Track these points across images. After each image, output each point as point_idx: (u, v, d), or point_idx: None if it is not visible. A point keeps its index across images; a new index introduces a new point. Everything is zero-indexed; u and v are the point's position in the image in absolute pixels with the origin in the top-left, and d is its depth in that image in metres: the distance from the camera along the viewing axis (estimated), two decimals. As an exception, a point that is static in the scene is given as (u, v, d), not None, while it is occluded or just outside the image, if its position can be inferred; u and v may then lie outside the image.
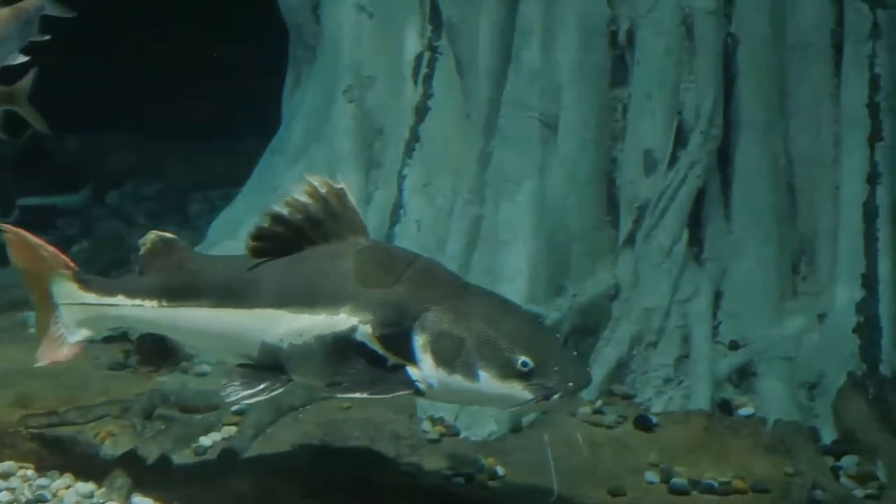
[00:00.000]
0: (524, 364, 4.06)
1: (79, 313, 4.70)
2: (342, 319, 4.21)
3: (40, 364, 4.75)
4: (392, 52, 6.43)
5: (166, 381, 5.73)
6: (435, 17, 6.31)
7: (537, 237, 5.90)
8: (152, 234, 4.60)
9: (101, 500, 4.91)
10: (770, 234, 5.91)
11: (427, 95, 6.32)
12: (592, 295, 5.93)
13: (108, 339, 6.07)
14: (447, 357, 4.10)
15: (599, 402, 5.54)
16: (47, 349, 4.75)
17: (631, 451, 5.13)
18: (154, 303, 4.54)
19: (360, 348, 4.19)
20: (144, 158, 9.95)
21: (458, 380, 4.10)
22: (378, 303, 4.18)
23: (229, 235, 6.68)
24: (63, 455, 5.17)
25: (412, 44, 6.37)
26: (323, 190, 4.30)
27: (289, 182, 6.62)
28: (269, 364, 4.35)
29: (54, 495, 4.99)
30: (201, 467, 5.03)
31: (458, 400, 4.48)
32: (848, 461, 5.16)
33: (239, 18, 8.77)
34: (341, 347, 4.20)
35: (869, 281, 5.71)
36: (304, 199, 4.29)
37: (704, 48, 5.90)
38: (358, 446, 5.07)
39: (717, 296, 5.90)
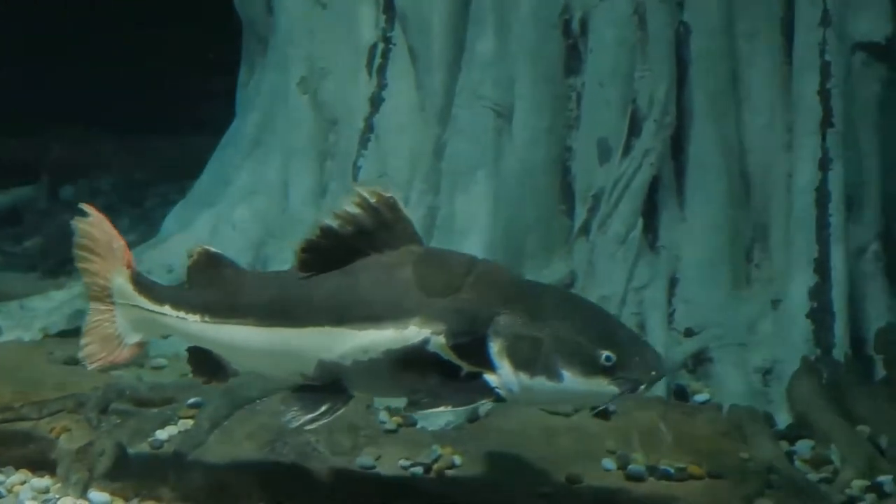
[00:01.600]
0: (608, 359, 3.97)
1: (134, 315, 4.55)
2: (412, 332, 4.07)
3: (93, 367, 4.59)
4: (346, 43, 6.42)
5: (122, 375, 5.70)
6: (388, 8, 6.29)
7: (493, 227, 5.91)
8: (198, 247, 4.48)
9: (57, 495, 4.89)
10: (723, 221, 5.95)
11: (381, 86, 6.32)
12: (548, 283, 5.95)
13: (62, 334, 6.05)
14: (527, 360, 4.00)
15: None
16: (103, 349, 4.58)
17: (588, 438, 5.13)
18: (197, 317, 4.41)
19: (433, 360, 4.07)
20: (98, 153, 9.90)
21: (540, 382, 4.00)
22: (448, 312, 4.05)
23: (184, 229, 6.67)
24: (18, 450, 5.14)
25: (366, 34, 6.36)
26: (373, 199, 4.11)
27: (243, 174, 6.69)
28: (325, 382, 4.23)
29: (10, 491, 4.96)
30: (157, 461, 5.00)
31: (540, 402, 4.39)
32: (802, 445, 5.20)
33: (198, 12, 8.75)
34: (413, 361, 4.08)
35: (822, 267, 5.74)
36: (354, 209, 4.11)
37: (657, 37, 5.93)
38: (315, 438, 5.06)
39: (672, 283, 5.93)
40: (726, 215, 5.95)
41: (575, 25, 6.07)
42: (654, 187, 5.97)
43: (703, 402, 5.50)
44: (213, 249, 4.49)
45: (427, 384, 4.08)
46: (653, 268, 5.92)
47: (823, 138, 5.83)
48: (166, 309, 4.47)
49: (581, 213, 6.05)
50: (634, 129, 5.95)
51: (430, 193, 6.09)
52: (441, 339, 4.05)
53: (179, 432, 5.19)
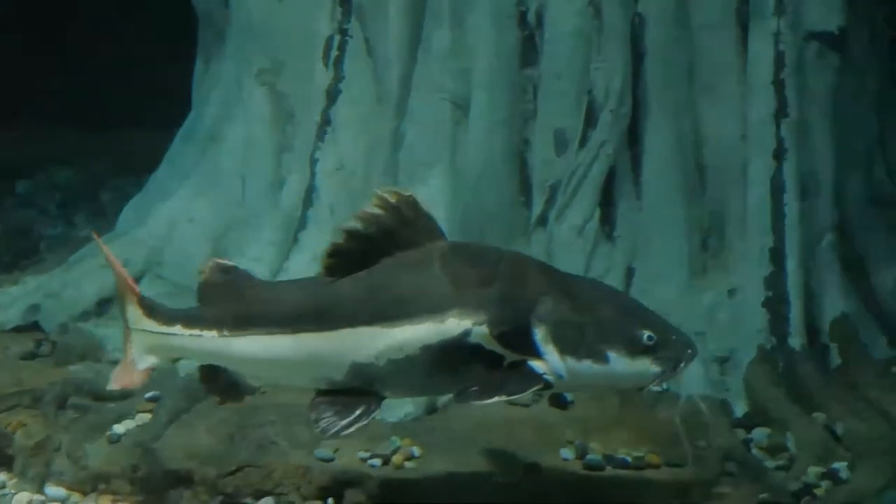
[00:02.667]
0: (650, 338, 4.03)
1: (145, 339, 4.48)
2: (452, 325, 4.06)
3: (111, 387, 4.57)
4: (302, 36, 6.40)
5: (79, 369, 5.69)
6: (345, 0, 6.29)
7: (451, 218, 5.90)
8: (210, 262, 4.43)
9: (14, 490, 4.88)
10: (680, 210, 5.97)
11: (338, 78, 6.31)
12: (506, 275, 5.95)
13: (18, 329, 6.02)
14: (573, 344, 4.02)
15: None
16: (120, 373, 4.54)
17: (546, 428, 5.15)
18: (214, 332, 4.32)
19: (475, 351, 4.06)
20: (55, 146, 9.84)
21: (587, 365, 4.02)
22: (489, 301, 4.05)
23: (140, 222, 6.64)
24: (-25, 446, 5.13)
25: (322, 27, 6.35)
26: (393, 200, 4.11)
27: (200, 167, 6.67)
28: (355, 386, 4.19)
29: (-34, 486, 4.95)
30: (115, 455, 4.99)
31: (586, 386, 4.33)
32: (759, 433, 5.23)
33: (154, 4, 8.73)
34: (452, 354, 4.07)
35: (777, 256, 5.78)
36: (376, 211, 4.11)
37: (612, 28, 5.94)
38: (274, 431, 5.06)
39: (629, 272, 5.95)
40: (682, 205, 5.97)
41: (531, 17, 6.08)
42: (610, 178, 5.99)
43: (661, 392, 5.52)
44: (225, 262, 4.45)
45: (468, 377, 4.07)
46: (610, 258, 5.94)
47: (778, 128, 5.86)
48: (177, 329, 4.39)
49: (538, 204, 6.07)
50: (591, 121, 5.97)
51: (388, 185, 6.07)
52: (483, 329, 4.05)
53: (137, 426, 5.18)
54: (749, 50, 5.95)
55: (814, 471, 4.94)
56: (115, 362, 5.78)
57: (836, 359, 5.75)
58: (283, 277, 6.12)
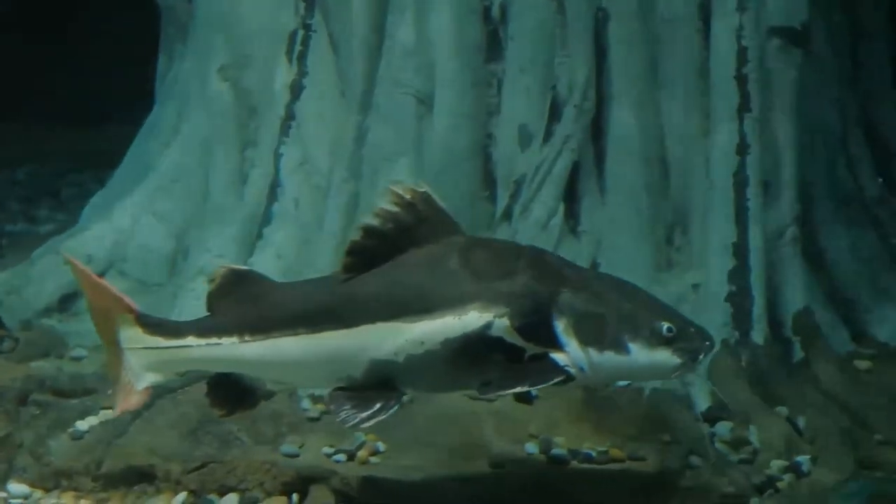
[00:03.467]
0: (669, 330, 4.04)
1: (145, 358, 4.36)
2: (473, 318, 4.05)
3: (116, 413, 4.49)
4: (266, 31, 6.39)
5: (41, 366, 5.66)
6: (308, -5, 6.30)
7: (415, 213, 5.91)
8: (222, 269, 4.35)
9: (-24, 488, 4.85)
10: (643, 205, 5.98)
11: (302, 73, 6.31)
12: (471, 270, 5.95)
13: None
14: (594, 336, 4.03)
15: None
16: (119, 398, 4.41)
17: (511, 423, 5.15)
18: (234, 339, 4.25)
19: (497, 344, 4.06)
20: (14, 143, 9.79)
21: (609, 357, 4.03)
22: (509, 294, 4.05)
23: (103, 218, 6.61)
24: (-64, 443, 5.10)
25: (286, 22, 6.34)
26: (408, 196, 4.10)
27: (163, 163, 6.64)
28: (373, 383, 4.17)
29: (-73, 484, 4.92)
30: (78, 452, 4.97)
31: (608, 378, 4.38)
32: (722, 427, 5.25)
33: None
34: (473, 347, 4.06)
35: (740, 250, 5.80)
36: (392, 207, 4.09)
37: (576, 23, 5.95)
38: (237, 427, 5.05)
39: (594, 267, 5.96)
40: (646, 200, 5.99)
41: (495, 12, 6.08)
42: (574, 173, 6.00)
43: (625, 386, 5.53)
44: (239, 267, 4.40)
45: (489, 370, 4.07)
46: (574, 252, 5.93)
47: (741, 123, 5.88)
48: (190, 340, 4.30)
49: (503, 199, 6.07)
50: (555, 115, 5.98)
51: (352, 180, 6.09)
52: (505, 322, 4.05)
53: (100, 423, 5.15)
54: (712, 45, 5.97)
55: (777, 464, 4.96)
56: (77, 359, 5.81)
57: (798, 352, 5.77)
58: (246, 273, 6.12)
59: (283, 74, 6.32)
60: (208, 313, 4.35)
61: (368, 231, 4.13)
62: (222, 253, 6.14)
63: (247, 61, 6.45)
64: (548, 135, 5.98)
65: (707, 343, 4.13)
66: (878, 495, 4.50)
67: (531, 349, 4.08)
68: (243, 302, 4.29)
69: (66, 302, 6.34)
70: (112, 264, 6.47)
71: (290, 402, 5.28)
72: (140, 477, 4.86)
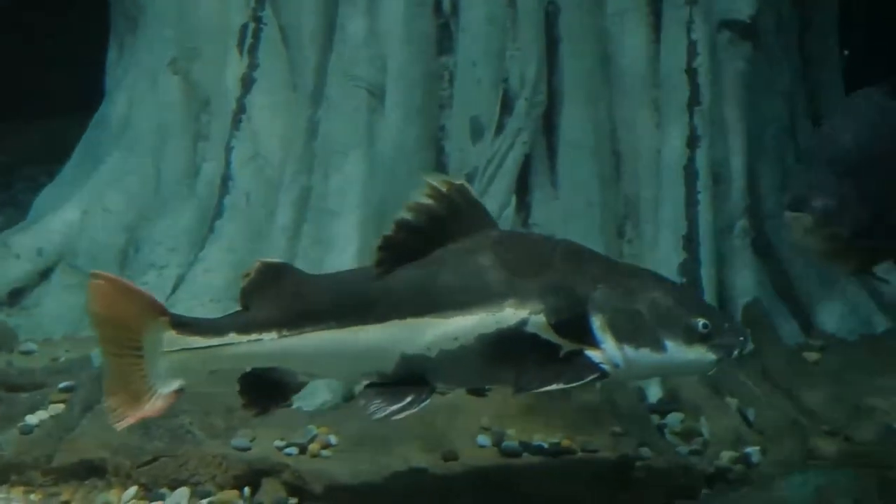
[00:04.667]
0: (704, 326, 4.02)
1: (178, 361, 4.24)
2: (508, 314, 4.03)
3: (124, 425, 4.29)
4: (216, 23, 6.37)
5: (-10, 360, 5.63)
6: (259, -12, 6.28)
7: (367, 206, 5.91)
8: (257, 263, 4.30)
9: (-76, 484, 4.82)
10: (595, 198, 6.00)
11: (253, 66, 6.29)
12: (423, 262, 5.96)
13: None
14: (630, 333, 4.00)
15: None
16: (132, 406, 4.26)
17: (463, 415, 5.16)
18: (274, 334, 4.21)
19: (531, 341, 4.04)
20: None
21: (645, 354, 4.01)
22: (545, 290, 4.02)
23: (54, 211, 6.56)
24: None
25: (236, 14, 6.32)
26: (444, 189, 4.08)
27: (114, 156, 6.61)
28: (404, 377, 4.15)
29: None
30: (28, 446, 4.94)
31: (642, 375, 4.37)
32: (673, 419, 5.28)
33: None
34: (507, 344, 4.04)
35: (690, 243, 5.83)
36: (427, 200, 4.07)
37: (527, 16, 5.96)
38: (189, 420, 5.03)
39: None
40: (598, 193, 6.01)
41: (446, 5, 6.09)
42: (526, 165, 6.01)
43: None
44: (274, 261, 4.35)
45: (523, 366, 4.04)
46: (526, 245, 5.96)
47: (691, 116, 5.91)
48: (231, 337, 4.25)
49: (455, 192, 6.07)
50: (506, 108, 5.98)
51: (304, 173, 6.07)
52: (541, 319, 4.02)
53: (51, 417, 5.13)
54: (662, 38, 6.01)
55: (727, 455, 4.99)
56: (27, 353, 5.77)
57: (748, 344, 5.80)
58: (198, 266, 6.10)
59: (234, 67, 6.30)
60: (243, 308, 4.31)
61: (402, 225, 4.12)
62: (173, 247, 6.12)
63: (197, 54, 6.42)
64: (499, 128, 5.98)
65: (741, 339, 4.12)
66: (826, 486, 4.53)
67: (566, 346, 4.05)
68: (279, 296, 4.25)
69: (15, 296, 6.30)
70: (62, 258, 6.43)
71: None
72: (91, 471, 4.84)
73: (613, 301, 4.02)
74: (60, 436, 4.94)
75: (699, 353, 4.06)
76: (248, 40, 6.29)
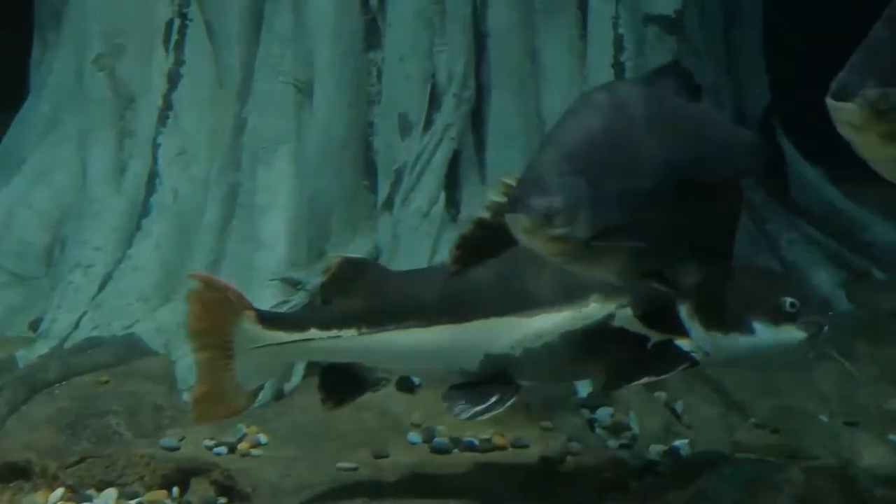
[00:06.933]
0: (792, 305, 3.99)
1: (262, 357, 4.26)
2: (594, 309, 4.00)
3: (210, 423, 4.42)
4: (141, 19, 6.30)
5: (-86, 362, 5.55)
6: (184, -17, 6.23)
7: (296, 203, 5.89)
8: (338, 258, 4.30)
9: None
10: (524, 193, 6.00)
11: (178, 63, 6.23)
12: (353, 259, 5.94)
13: None
14: (719, 318, 3.97)
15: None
16: (219, 405, 4.32)
17: (394, 412, 5.16)
18: (353, 331, 4.21)
19: (619, 334, 4.01)
20: None
21: (734, 339, 4.00)
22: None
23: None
24: None
25: (162, 10, 6.26)
26: None
27: (39, 153, 6.53)
28: (488, 375, 4.14)
29: None
30: (-48, 448, 4.90)
31: (732, 361, 4.28)
32: (603, 413, 5.28)
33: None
34: (595, 339, 4.01)
35: (620, 235, 5.85)
36: (503, 199, 3.95)
37: (454, 11, 5.97)
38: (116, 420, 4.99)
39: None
40: (526, 188, 6.01)
41: (373, 0, 6.07)
42: (455, 161, 6.01)
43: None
44: (354, 256, 4.35)
45: (610, 360, 4.03)
46: (456, 241, 5.96)
47: (618, 111, 5.93)
48: (312, 333, 4.24)
49: (384, 188, 6.07)
50: (434, 104, 5.98)
51: (232, 170, 6.03)
52: (627, 312, 3.99)
53: (-25, 419, 5.08)
54: (589, 33, 6.03)
55: (655, 449, 5.02)
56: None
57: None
58: (125, 264, 6.05)
59: (160, 64, 6.24)
60: (323, 303, 4.33)
61: (480, 224, 4.08)
62: (100, 245, 6.06)
63: (122, 51, 6.35)
64: (428, 123, 5.98)
65: (830, 313, 4.10)
66: (753, 478, 4.57)
67: (655, 337, 4.03)
68: (359, 292, 4.25)
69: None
70: (-14, 257, 6.36)
71: (171, 394, 5.24)
72: (16, 473, 4.78)
73: (700, 287, 3.96)
74: (-16, 437, 4.89)
75: (788, 333, 4.06)
76: (174, 36, 6.23)
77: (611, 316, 4.03)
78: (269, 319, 4.28)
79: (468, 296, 4.14)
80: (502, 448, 4.94)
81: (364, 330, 4.23)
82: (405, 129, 6.03)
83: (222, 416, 4.41)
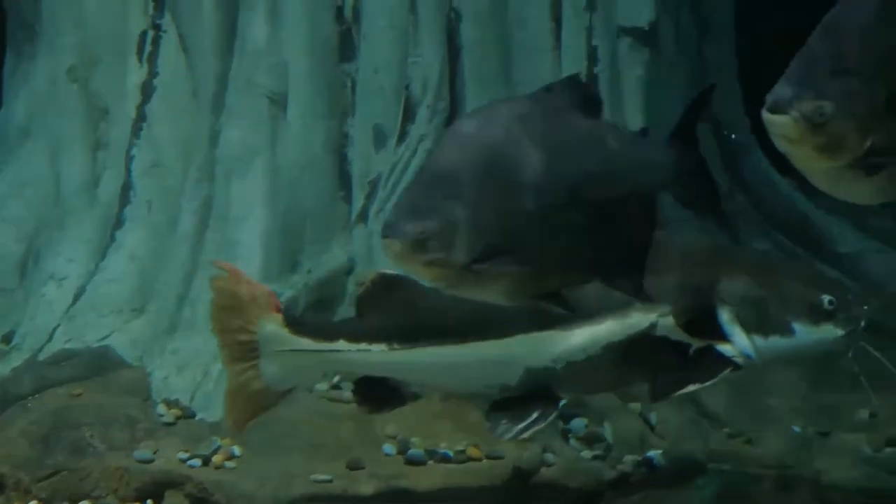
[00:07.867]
0: (830, 303, 3.99)
1: (289, 361, 4.26)
2: (636, 320, 3.99)
3: (237, 430, 4.40)
4: (115, 31, 6.28)
5: None
6: (158, -6, 6.23)
7: (270, 214, 5.87)
8: (373, 274, 4.28)
9: None
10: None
11: (152, 74, 6.22)
12: (328, 270, 5.93)
13: None
14: (759, 321, 3.97)
15: (337, 378, 5.55)
16: (245, 409, 4.35)
17: (369, 424, 5.14)
18: (384, 346, 4.19)
19: (661, 343, 4.00)
20: None
21: (774, 341, 3.99)
22: (670, 290, 3.98)
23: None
24: None
25: (135, 21, 6.25)
26: None
27: (12, 165, 6.51)
28: (529, 390, 4.13)
29: None
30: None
31: (773, 362, 4.25)
32: (577, 424, 5.28)
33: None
34: (638, 349, 4.01)
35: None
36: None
37: (428, 23, 5.97)
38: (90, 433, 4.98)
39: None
40: (500, 198, 6.02)
41: (347, 11, 6.07)
42: (430, 172, 6.01)
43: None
44: (390, 272, 4.27)
45: (652, 370, 4.02)
46: (429, 252, 5.96)
47: (591, 122, 5.95)
48: (341, 344, 4.23)
49: (359, 199, 6.06)
50: (409, 115, 5.99)
51: (206, 182, 6.02)
52: (669, 320, 3.98)
53: (-53, 431, 5.06)
54: (563, 45, 6.05)
55: (629, 459, 5.03)
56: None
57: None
58: (99, 276, 6.03)
59: (134, 75, 6.22)
60: (357, 315, 4.31)
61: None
62: (73, 257, 6.05)
63: (96, 62, 6.33)
64: (402, 135, 5.99)
65: (865, 308, 4.10)
66: (727, 488, 4.59)
67: (696, 344, 4.02)
68: (393, 308, 4.23)
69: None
70: (-41, 270, 6.34)
71: (145, 406, 5.23)
72: (-11, 486, 4.78)
73: (738, 291, 4.00)
74: (-43, 450, 4.87)
75: (827, 332, 4.06)
76: (148, 48, 6.22)
77: (653, 325, 4.03)
78: (297, 324, 4.27)
79: (506, 310, 3.97)
80: (477, 459, 4.94)
81: (395, 345, 4.21)
82: (380, 140, 6.04)
83: (251, 418, 4.39)
